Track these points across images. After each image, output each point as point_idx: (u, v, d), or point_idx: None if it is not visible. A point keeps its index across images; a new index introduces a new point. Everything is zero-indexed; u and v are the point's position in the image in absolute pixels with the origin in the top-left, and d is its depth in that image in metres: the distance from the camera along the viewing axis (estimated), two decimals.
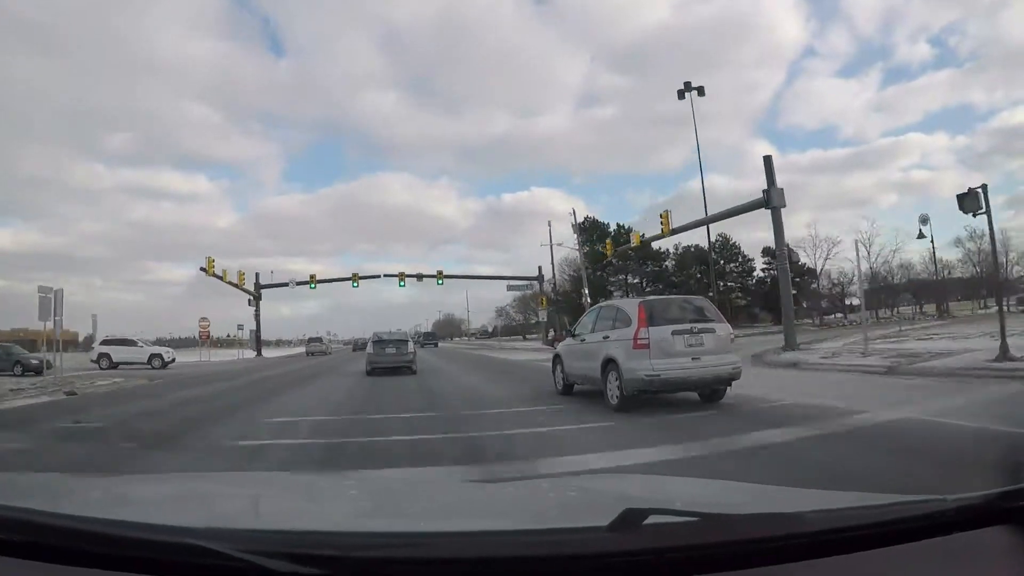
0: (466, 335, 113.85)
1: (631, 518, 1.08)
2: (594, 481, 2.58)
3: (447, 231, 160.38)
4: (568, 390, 10.89)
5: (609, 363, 8.91)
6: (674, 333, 8.56)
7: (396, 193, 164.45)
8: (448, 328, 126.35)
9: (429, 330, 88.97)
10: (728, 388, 9.02)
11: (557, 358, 11.33)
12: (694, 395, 9.17)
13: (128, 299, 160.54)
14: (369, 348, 19.19)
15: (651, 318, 8.62)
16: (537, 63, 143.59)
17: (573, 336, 10.70)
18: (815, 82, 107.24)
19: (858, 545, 1.12)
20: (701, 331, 8.78)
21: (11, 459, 6.40)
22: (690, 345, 8.66)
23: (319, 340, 52.83)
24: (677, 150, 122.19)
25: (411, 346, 19.09)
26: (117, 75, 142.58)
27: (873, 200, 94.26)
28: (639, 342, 8.45)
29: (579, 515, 1.57)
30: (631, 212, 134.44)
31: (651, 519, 1.09)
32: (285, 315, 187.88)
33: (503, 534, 1.27)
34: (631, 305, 9.02)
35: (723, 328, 9.11)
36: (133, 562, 1.08)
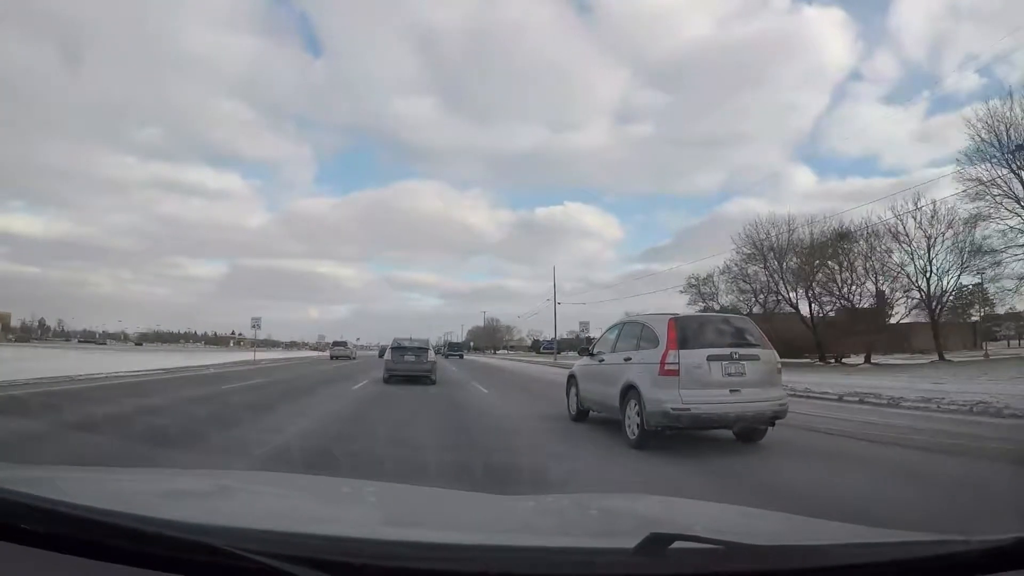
0: (506, 347, 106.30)
1: (656, 542, 1.08)
2: (614, 501, 2.54)
3: (477, 242, 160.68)
4: (582, 416, 9.49)
5: (630, 390, 7.49)
6: (710, 359, 7.11)
7: (427, 201, 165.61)
8: (487, 338, 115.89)
9: (457, 340, 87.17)
10: (771, 427, 7.54)
11: (572, 379, 9.91)
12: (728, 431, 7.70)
13: (158, 292, 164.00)
14: (387, 354, 18.44)
15: (683, 339, 7.19)
16: (575, 75, 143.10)
17: (591, 355, 9.28)
18: (859, 107, 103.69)
19: None
20: (743, 358, 7.31)
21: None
22: (728, 374, 7.20)
23: (344, 344, 51.46)
24: (712, 172, 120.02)
25: (431, 355, 18.26)
26: (149, 68, 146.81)
27: (913, 232, 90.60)
28: (667, 368, 7.02)
29: (602, 535, 1.63)
30: (664, 233, 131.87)
31: (676, 544, 1.09)
32: (313, 318, 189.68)
33: (530, 550, 1.25)
34: (660, 322, 7.58)
35: (769, 355, 7.63)
36: (151, 559, 1.07)
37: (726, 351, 7.27)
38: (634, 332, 8.10)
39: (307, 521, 1.56)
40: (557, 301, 55.54)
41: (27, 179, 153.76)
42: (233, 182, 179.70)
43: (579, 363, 9.98)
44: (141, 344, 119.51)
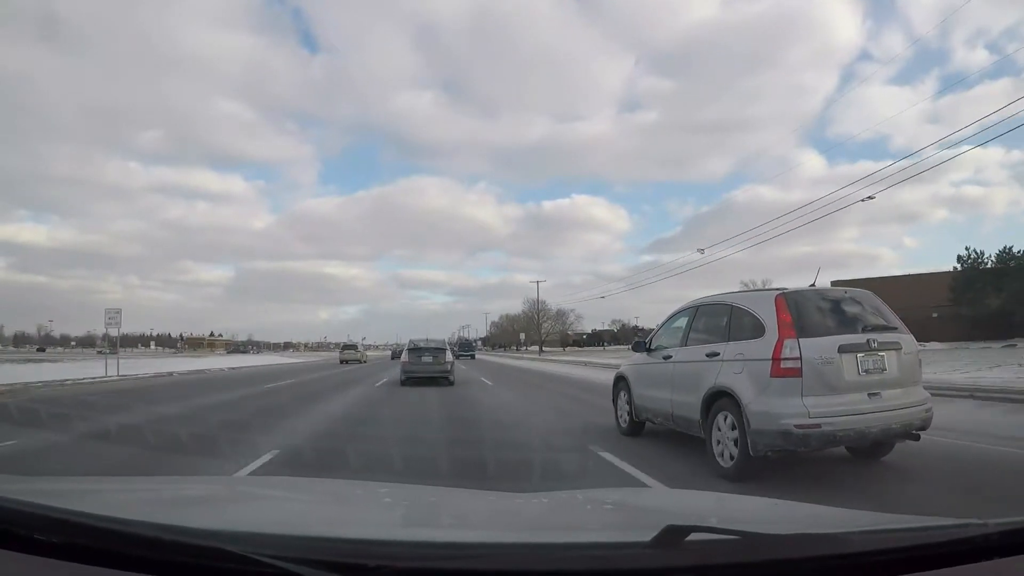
0: (522, 345, 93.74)
1: (673, 534, 1.06)
2: (628, 495, 2.46)
3: (485, 237, 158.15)
4: (636, 429, 7.28)
5: (719, 398, 5.29)
6: (842, 350, 4.90)
7: (433, 197, 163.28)
8: (508, 334, 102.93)
9: (471, 337, 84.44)
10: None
11: (621, 382, 7.68)
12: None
13: (167, 298, 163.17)
14: (404, 356, 18.08)
15: (801, 323, 4.96)
16: (577, 64, 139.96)
17: (648, 351, 7.05)
18: (868, 89, 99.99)
19: (899, 568, 1.11)
20: (881, 347, 5.10)
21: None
22: (866, 371, 4.99)
23: (354, 347, 48.00)
24: (720, 159, 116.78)
25: (449, 355, 17.89)
26: (145, 69, 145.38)
27: (923, 215, 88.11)
28: (784, 366, 4.79)
29: (618, 530, 1.58)
30: (672, 223, 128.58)
31: (693, 536, 1.07)
32: (323, 318, 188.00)
33: (546, 547, 1.23)
34: (762, 301, 5.35)
35: (910, 342, 5.40)
36: (170, 566, 1.07)
37: (860, 338, 5.05)
38: (719, 316, 5.85)
39: (322, 524, 1.53)
40: (598, 294, 51.35)
41: (32, 188, 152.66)
42: (236, 184, 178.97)
43: (630, 362, 7.73)
44: (44, 350, 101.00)
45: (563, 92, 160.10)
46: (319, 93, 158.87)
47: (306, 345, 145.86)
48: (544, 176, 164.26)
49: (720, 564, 1.07)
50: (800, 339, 4.82)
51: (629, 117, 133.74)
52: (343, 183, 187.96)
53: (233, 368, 31.42)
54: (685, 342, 6.22)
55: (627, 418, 7.40)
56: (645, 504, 2.01)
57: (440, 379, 16.96)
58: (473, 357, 52.18)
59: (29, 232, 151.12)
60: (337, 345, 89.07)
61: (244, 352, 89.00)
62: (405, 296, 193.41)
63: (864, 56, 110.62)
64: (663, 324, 7.12)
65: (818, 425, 4.68)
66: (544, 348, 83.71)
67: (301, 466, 5.68)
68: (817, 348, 4.82)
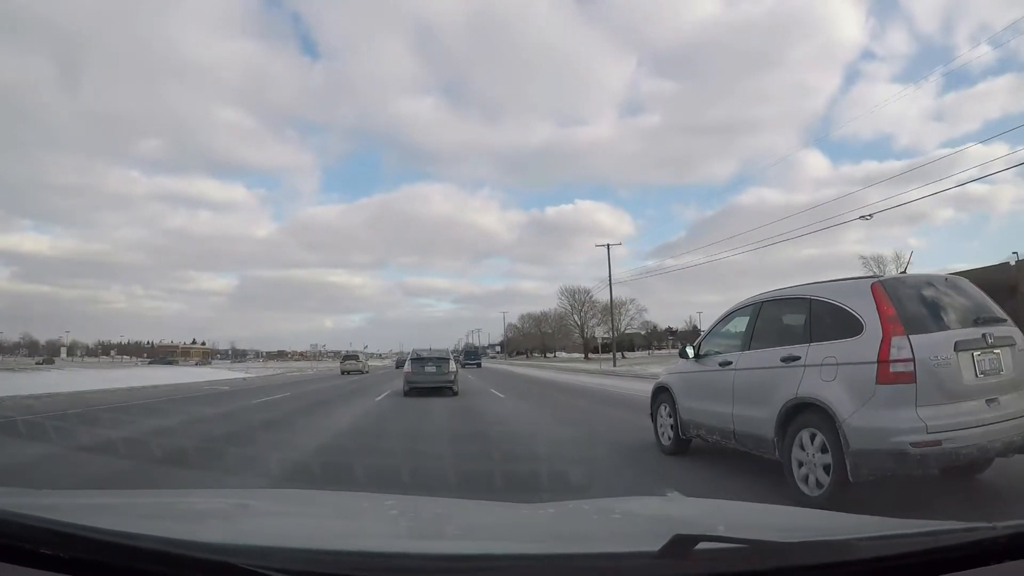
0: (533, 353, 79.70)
1: (681, 544, 1.05)
2: (636, 504, 2.41)
3: (490, 244, 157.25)
4: (681, 447, 6.37)
5: (802, 412, 4.39)
6: (959, 348, 4.02)
7: (437, 204, 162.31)
8: (533, 338, 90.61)
9: (478, 344, 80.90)
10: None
11: (663, 393, 6.75)
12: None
13: (171, 307, 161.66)
14: (407, 366, 17.84)
15: (907, 317, 4.09)
16: (579, 67, 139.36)
17: (697, 356, 6.15)
18: (872, 88, 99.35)
19: (908, 573, 1.12)
20: (996, 343, 4.23)
21: None
22: (983, 372, 4.11)
23: (355, 357, 46.06)
24: (724, 161, 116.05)
25: (453, 365, 17.75)
26: (147, 78, 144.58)
27: (928, 215, 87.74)
28: (894, 369, 3.89)
29: (626, 539, 1.56)
30: (677, 227, 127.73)
31: (701, 545, 1.06)
32: (328, 327, 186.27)
33: (555, 557, 1.22)
34: (855, 292, 4.40)
35: (1020, 336, 4.54)
36: None
37: (975, 332, 4.17)
38: (794, 315, 4.94)
39: (329, 537, 1.52)
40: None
41: (34, 197, 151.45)
42: (238, 193, 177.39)
43: (674, 370, 6.83)
44: None
45: (565, 96, 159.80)
46: (319, 100, 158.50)
47: (301, 354, 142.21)
48: (547, 181, 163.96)
49: (729, 573, 1.07)
50: (910, 335, 3.94)
51: (632, 120, 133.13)
52: (345, 191, 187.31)
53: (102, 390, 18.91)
54: (747, 345, 5.30)
55: (671, 435, 6.48)
56: (653, 513, 2.00)
57: (443, 389, 16.87)
58: (479, 366, 50.58)
59: (31, 241, 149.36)
60: (337, 354, 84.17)
61: (171, 364, 66.32)
62: (410, 304, 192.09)
63: (868, 55, 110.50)
64: (714, 326, 6.21)
65: (938, 442, 3.79)
66: (593, 354, 57.41)
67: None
68: (930, 346, 3.94)
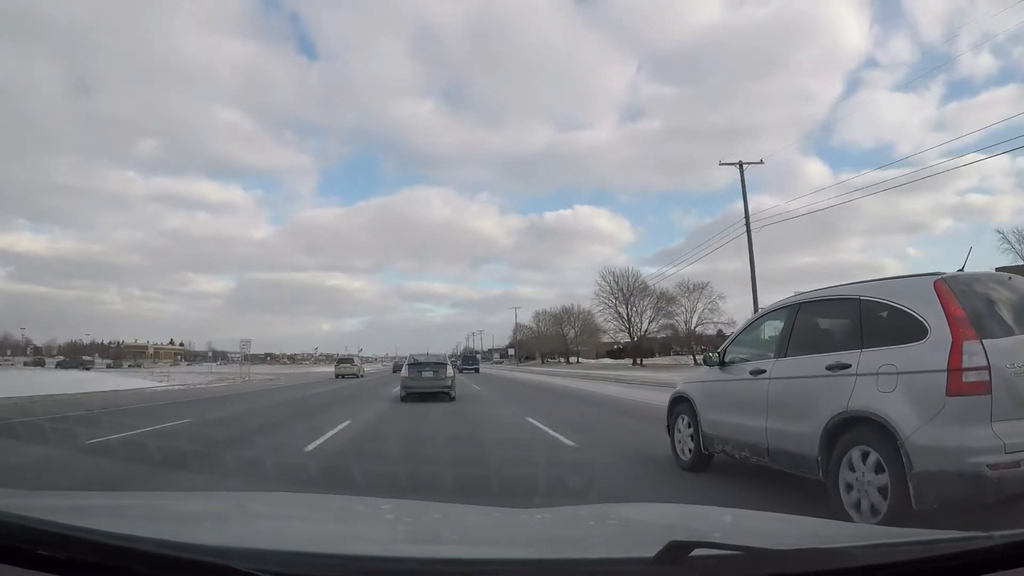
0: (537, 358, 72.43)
1: (676, 550, 1.04)
2: (632, 510, 2.38)
3: (488, 249, 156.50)
4: (702, 463, 5.86)
5: (853, 427, 3.89)
6: None
7: (436, 208, 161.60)
8: (549, 339, 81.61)
9: (477, 348, 79.55)
10: None
11: (681, 403, 6.25)
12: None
13: (168, 309, 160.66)
14: (404, 371, 17.70)
15: (978, 317, 3.60)
16: (579, 71, 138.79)
17: (722, 364, 5.66)
18: (874, 95, 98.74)
19: None
20: None
21: None
22: None
23: (349, 360, 45.09)
24: (724, 168, 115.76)
25: (450, 370, 17.58)
26: (142, 77, 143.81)
27: (928, 225, 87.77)
28: (967, 378, 3.40)
29: (622, 545, 1.57)
30: (677, 233, 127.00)
31: (696, 552, 1.05)
32: (325, 330, 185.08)
33: (550, 563, 1.23)
34: (915, 291, 3.90)
35: None
36: None
37: None
38: (841, 317, 4.43)
39: (326, 541, 1.52)
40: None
41: (30, 197, 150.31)
42: (236, 194, 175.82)
43: (695, 378, 6.32)
44: None
45: (565, 100, 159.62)
46: (318, 101, 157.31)
47: (291, 357, 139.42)
48: (546, 186, 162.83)
49: None
50: (983, 340, 3.45)
51: (632, 125, 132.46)
52: (343, 193, 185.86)
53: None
54: (784, 352, 4.80)
55: (691, 449, 5.98)
56: (649, 519, 1.99)
57: (440, 394, 16.80)
58: (477, 371, 49.76)
59: (27, 242, 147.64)
60: (331, 357, 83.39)
61: (87, 368, 51.63)
62: (408, 308, 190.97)
63: (870, 62, 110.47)
64: (741, 330, 5.72)
65: (1018, 463, 3.30)
66: (642, 361, 43.51)
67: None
68: (1005, 352, 3.45)
